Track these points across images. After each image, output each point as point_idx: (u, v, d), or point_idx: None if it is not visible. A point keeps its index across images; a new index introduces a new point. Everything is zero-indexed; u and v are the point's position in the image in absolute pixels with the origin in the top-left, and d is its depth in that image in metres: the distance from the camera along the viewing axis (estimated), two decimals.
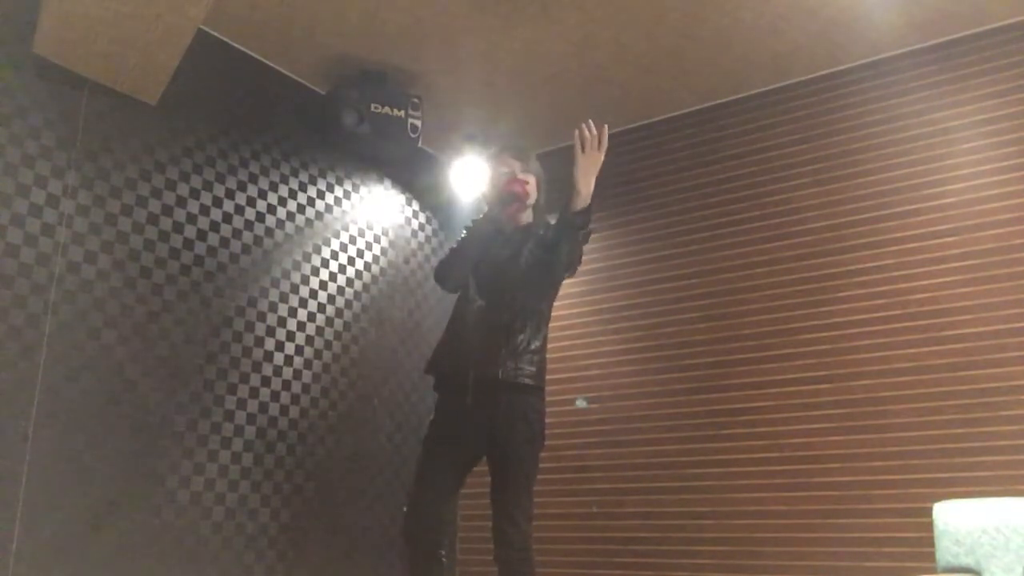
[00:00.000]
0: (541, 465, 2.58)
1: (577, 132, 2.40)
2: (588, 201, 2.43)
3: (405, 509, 2.54)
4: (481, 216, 2.69)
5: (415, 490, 2.55)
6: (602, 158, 2.42)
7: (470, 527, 4.15)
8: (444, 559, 2.54)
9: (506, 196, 2.63)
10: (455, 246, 2.67)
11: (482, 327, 2.54)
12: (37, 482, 2.70)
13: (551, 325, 2.70)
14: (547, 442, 2.62)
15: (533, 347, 2.55)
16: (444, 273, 2.65)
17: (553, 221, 2.60)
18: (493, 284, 2.60)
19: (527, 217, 2.72)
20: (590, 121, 2.42)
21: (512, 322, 2.54)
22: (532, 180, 2.68)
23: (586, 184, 2.41)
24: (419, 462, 2.59)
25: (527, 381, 2.51)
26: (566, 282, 4.24)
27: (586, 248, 2.54)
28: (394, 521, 3.76)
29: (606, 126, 2.42)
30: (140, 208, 3.17)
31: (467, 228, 2.70)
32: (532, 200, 2.69)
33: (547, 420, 2.59)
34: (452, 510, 2.65)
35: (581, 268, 4.21)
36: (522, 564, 2.48)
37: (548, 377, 2.65)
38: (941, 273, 3.33)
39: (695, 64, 3.77)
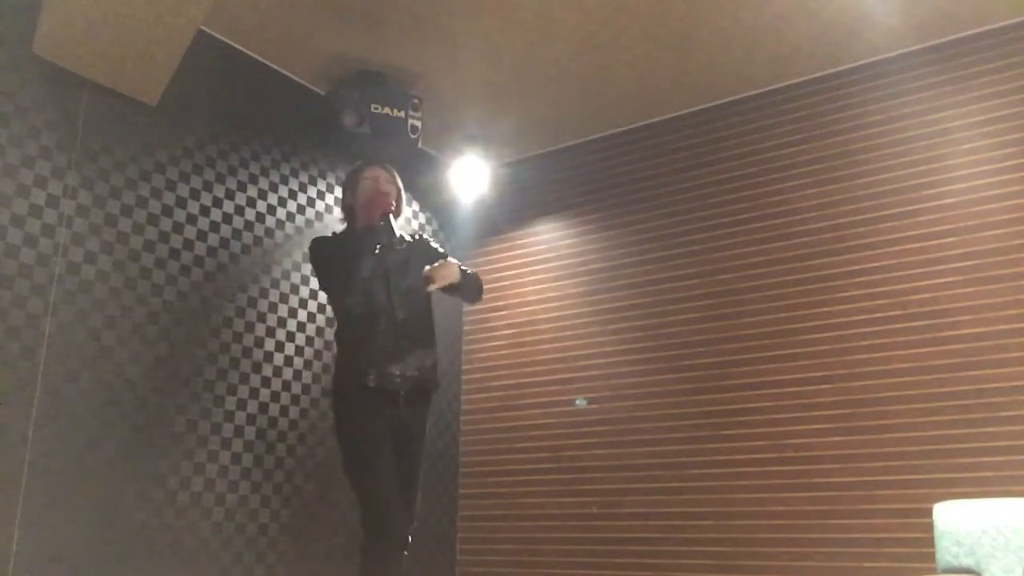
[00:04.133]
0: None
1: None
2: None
3: (380, 511, 2.55)
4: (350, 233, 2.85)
5: (389, 488, 2.57)
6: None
7: (470, 527, 4.16)
8: None
9: (381, 219, 2.76)
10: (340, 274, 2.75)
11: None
12: (37, 482, 2.70)
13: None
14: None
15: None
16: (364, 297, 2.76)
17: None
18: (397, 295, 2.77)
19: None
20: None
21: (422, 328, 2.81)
22: (395, 190, 2.88)
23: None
24: (373, 463, 2.61)
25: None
26: (566, 282, 4.28)
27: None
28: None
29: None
30: (140, 209, 3.17)
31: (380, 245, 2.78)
32: (398, 210, 2.86)
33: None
34: None
35: (581, 268, 4.25)
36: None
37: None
38: (941, 274, 3.33)
39: (695, 64, 3.77)
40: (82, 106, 3.02)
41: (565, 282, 4.32)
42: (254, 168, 3.63)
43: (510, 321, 4.42)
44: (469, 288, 2.87)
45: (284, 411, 3.56)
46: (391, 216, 2.76)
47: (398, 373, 2.66)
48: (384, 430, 2.63)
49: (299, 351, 3.67)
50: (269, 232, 3.64)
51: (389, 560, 2.52)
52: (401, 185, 2.95)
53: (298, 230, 3.78)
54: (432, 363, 2.79)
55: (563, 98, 4.06)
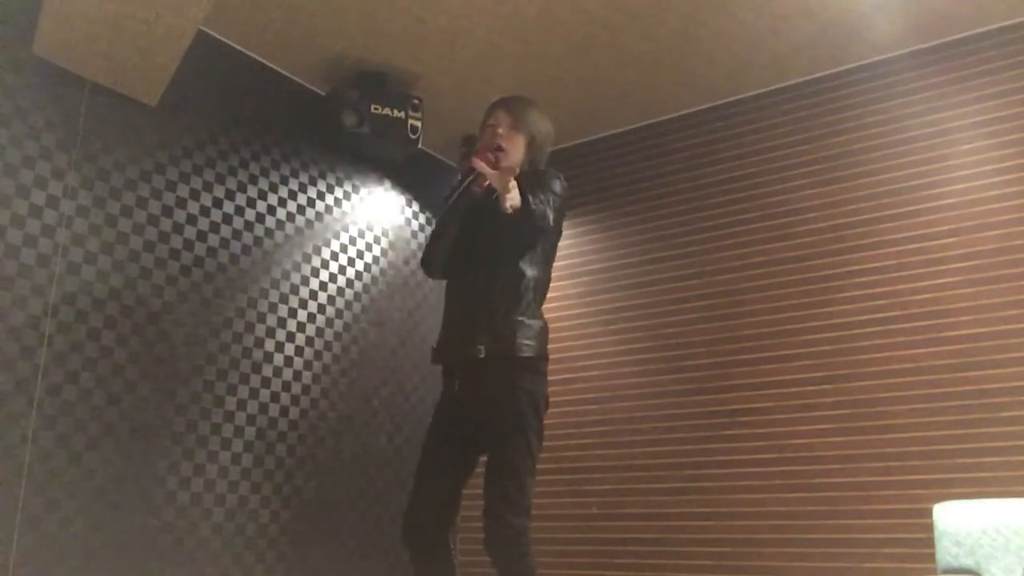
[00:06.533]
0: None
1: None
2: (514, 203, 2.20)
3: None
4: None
5: (419, 480, 2.46)
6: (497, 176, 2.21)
7: (470, 527, 4.15)
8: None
9: (465, 171, 2.30)
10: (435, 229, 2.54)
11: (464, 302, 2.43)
12: (37, 482, 2.70)
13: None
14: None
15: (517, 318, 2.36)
16: (430, 259, 2.52)
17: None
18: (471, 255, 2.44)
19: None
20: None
21: (489, 292, 2.37)
22: (518, 139, 2.43)
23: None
24: (423, 449, 2.50)
25: (522, 354, 2.34)
26: (566, 282, 4.27)
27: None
28: (395, 522, 3.75)
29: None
30: (140, 209, 3.17)
31: (446, 199, 2.43)
32: (512, 162, 2.34)
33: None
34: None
35: (581, 268, 4.25)
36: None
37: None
38: (941, 274, 3.33)
39: (695, 65, 3.76)
40: (82, 106, 3.02)
41: (565, 282, 4.31)
42: (254, 168, 3.63)
43: None
44: (522, 222, 2.23)
45: (284, 411, 3.56)
46: (476, 172, 2.26)
47: (456, 347, 2.37)
48: (442, 414, 2.46)
49: (299, 351, 3.67)
50: (269, 233, 3.64)
51: (408, 554, 2.44)
52: (533, 123, 2.46)
53: (298, 231, 3.78)
54: (498, 333, 2.32)
55: (563, 98, 4.06)
